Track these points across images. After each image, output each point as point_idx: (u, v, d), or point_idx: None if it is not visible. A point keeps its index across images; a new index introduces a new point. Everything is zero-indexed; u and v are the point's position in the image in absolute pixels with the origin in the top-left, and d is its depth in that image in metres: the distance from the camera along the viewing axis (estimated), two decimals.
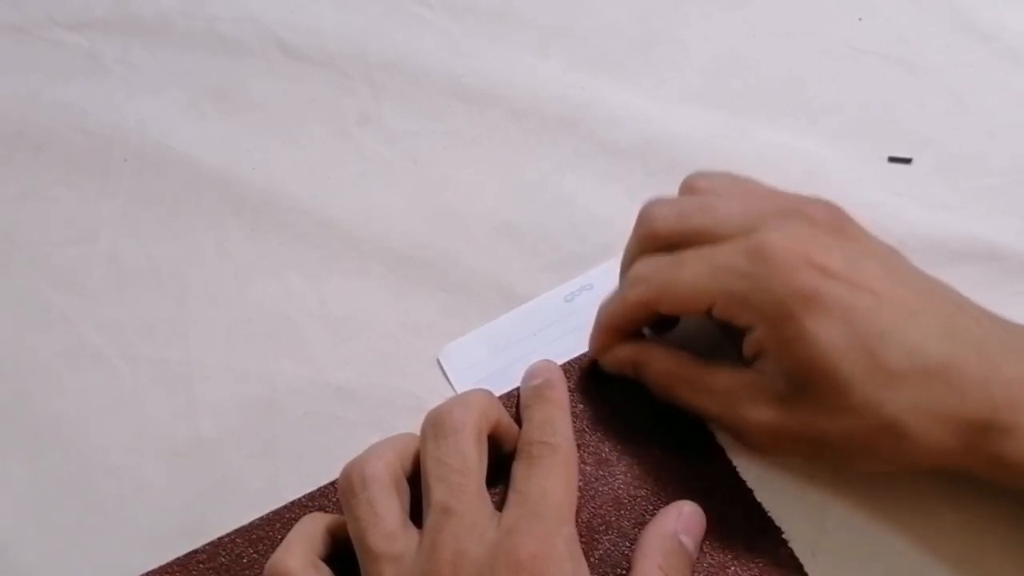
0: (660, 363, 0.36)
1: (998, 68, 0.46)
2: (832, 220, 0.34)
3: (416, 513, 0.33)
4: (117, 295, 0.44)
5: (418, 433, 0.34)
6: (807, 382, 0.32)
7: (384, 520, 0.32)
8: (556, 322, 0.41)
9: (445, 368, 0.41)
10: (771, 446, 0.34)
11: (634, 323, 0.37)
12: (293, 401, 0.41)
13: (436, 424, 0.33)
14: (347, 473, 0.33)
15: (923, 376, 0.31)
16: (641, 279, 0.36)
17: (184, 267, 0.44)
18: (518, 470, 0.34)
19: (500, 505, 0.33)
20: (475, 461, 0.32)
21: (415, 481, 0.34)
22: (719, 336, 0.37)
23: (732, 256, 0.33)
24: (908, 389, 0.31)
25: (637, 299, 0.36)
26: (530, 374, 0.38)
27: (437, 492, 0.32)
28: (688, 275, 0.34)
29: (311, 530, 0.34)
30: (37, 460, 0.40)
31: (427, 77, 0.48)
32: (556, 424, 0.35)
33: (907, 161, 0.44)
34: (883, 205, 0.43)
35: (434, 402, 0.40)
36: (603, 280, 0.42)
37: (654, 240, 0.36)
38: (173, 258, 0.45)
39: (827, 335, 0.31)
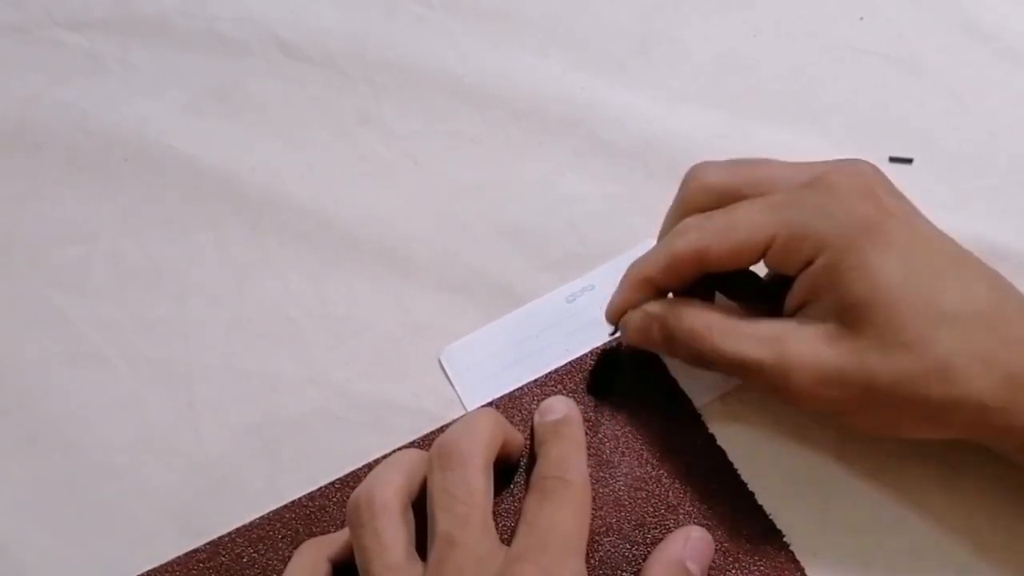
0: (696, 315, 0.35)
1: (998, 68, 0.46)
2: (883, 180, 0.34)
3: (421, 540, 0.33)
4: (117, 295, 0.44)
5: (417, 436, 0.34)
6: (861, 317, 0.31)
7: (389, 551, 0.32)
8: (558, 323, 0.41)
9: (446, 369, 0.41)
10: (817, 394, 0.32)
11: (679, 279, 0.35)
12: (293, 401, 0.41)
13: (443, 454, 0.33)
14: (355, 499, 0.33)
15: (974, 319, 0.31)
16: (691, 228, 0.34)
17: (184, 267, 0.44)
18: (530, 503, 0.33)
19: (508, 538, 0.33)
20: (481, 492, 0.32)
21: (421, 506, 0.33)
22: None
23: (792, 192, 0.33)
24: (960, 330, 0.31)
25: (688, 248, 0.34)
26: (547, 408, 0.37)
27: (442, 522, 0.31)
28: (743, 217, 0.33)
29: (307, 563, 0.34)
30: (37, 460, 0.40)
31: (427, 77, 0.48)
32: (572, 461, 0.34)
33: (907, 161, 0.44)
34: None
35: (433, 402, 0.40)
36: (605, 281, 0.42)
37: (704, 193, 0.35)
38: (173, 258, 0.45)
39: (888, 268, 0.31)
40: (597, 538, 0.36)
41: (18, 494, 0.40)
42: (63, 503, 0.39)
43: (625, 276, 0.37)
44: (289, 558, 0.36)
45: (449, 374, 0.41)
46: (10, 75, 0.51)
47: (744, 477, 0.37)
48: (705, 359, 0.34)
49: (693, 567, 0.33)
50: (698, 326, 0.34)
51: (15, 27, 0.52)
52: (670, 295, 0.37)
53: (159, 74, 0.50)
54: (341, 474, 0.39)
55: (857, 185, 0.33)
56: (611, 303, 0.37)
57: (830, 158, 0.44)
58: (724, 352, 0.34)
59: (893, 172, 0.44)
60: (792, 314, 0.34)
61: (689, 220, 0.35)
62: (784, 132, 0.45)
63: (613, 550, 0.36)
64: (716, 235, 0.34)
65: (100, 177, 0.47)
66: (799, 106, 0.46)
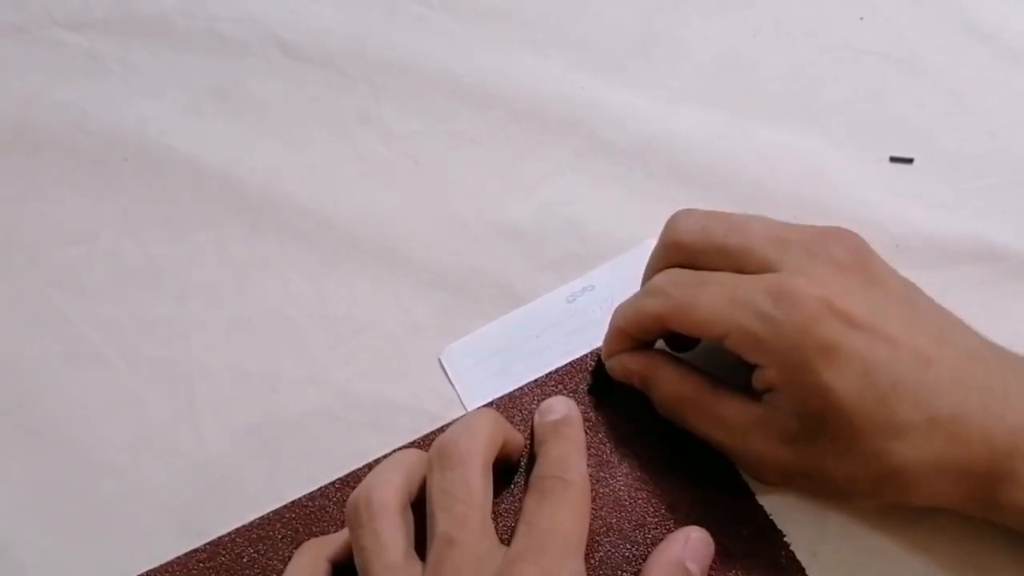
0: (669, 384, 0.36)
1: (998, 68, 0.46)
2: (856, 260, 0.34)
3: (421, 541, 0.33)
4: (117, 295, 0.44)
5: (417, 436, 0.34)
6: (818, 426, 0.32)
7: (388, 551, 0.32)
8: (558, 323, 0.41)
9: (447, 368, 0.41)
10: (778, 481, 0.35)
11: (647, 334, 0.37)
12: (293, 401, 0.41)
13: (442, 455, 0.33)
14: (355, 500, 0.33)
15: (929, 427, 0.31)
16: (659, 291, 0.35)
17: (184, 267, 0.44)
18: (529, 503, 0.33)
19: (507, 538, 0.33)
20: (480, 492, 0.32)
21: (420, 506, 0.33)
22: (736, 359, 0.36)
23: (753, 292, 0.33)
24: (913, 439, 0.31)
25: (652, 312, 0.35)
26: (547, 408, 0.37)
27: (441, 523, 0.31)
28: (705, 301, 0.34)
29: (307, 563, 0.35)
30: (37, 460, 0.40)
31: (427, 77, 0.48)
32: (571, 461, 0.35)
33: (908, 161, 0.44)
34: (883, 205, 0.43)
35: (434, 402, 0.40)
36: (605, 281, 0.42)
37: (677, 250, 0.36)
38: (173, 258, 0.45)
39: (843, 386, 0.31)
40: (597, 538, 0.36)
41: (18, 494, 0.40)
42: (63, 503, 0.39)
43: (611, 319, 0.38)
44: (289, 558, 0.36)
45: (449, 374, 0.41)
46: (10, 75, 0.51)
47: (745, 477, 0.37)
48: (678, 422, 0.36)
49: (693, 567, 0.33)
50: (671, 397, 0.36)
51: (15, 27, 0.52)
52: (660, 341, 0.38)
53: (159, 74, 0.50)
54: (341, 474, 0.39)
55: (817, 302, 0.32)
56: (603, 346, 0.38)
57: (830, 158, 0.45)
58: (695, 428, 0.36)
59: (893, 172, 0.44)
60: (761, 390, 0.34)
61: (661, 279, 0.36)
62: (784, 132, 0.45)
63: (613, 550, 0.36)
64: (678, 309, 0.35)
65: (100, 177, 0.47)
66: (799, 106, 0.46)
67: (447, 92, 0.48)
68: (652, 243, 0.38)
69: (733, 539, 0.36)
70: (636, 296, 0.37)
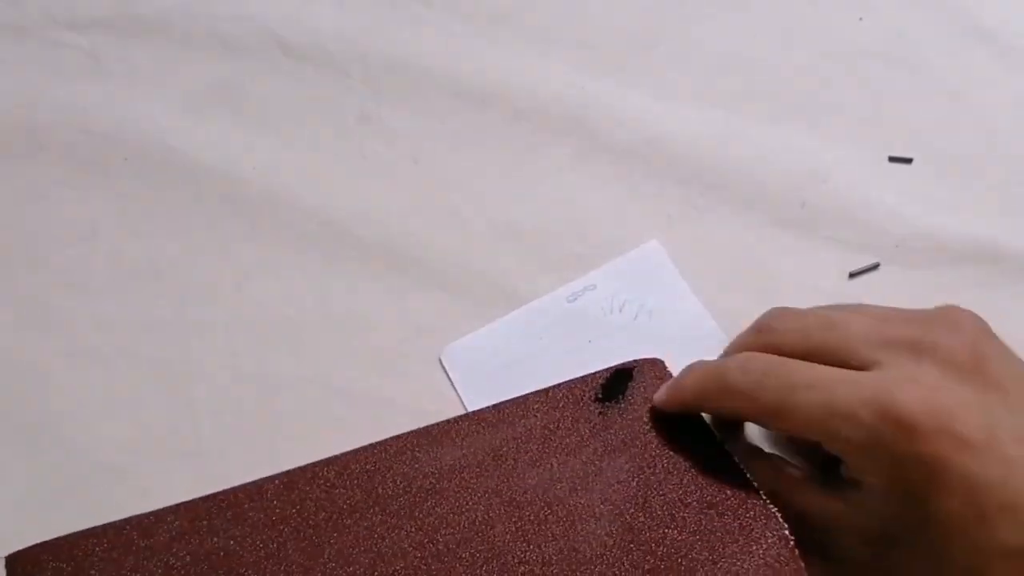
0: (760, 472, 0.35)
1: (998, 68, 0.46)
2: (970, 357, 0.31)
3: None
4: (117, 295, 0.44)
5: None
6: (909, 538, 0.30)
7: None
8: (559, 322, 0.41)
9: (447, 368, 0.41)
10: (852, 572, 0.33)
11: (718, 415, 0.36)
12: (293, 401, 0.41)
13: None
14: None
15: None
16: (744, 391, 0.33)
17: (184, 267, 0.44)
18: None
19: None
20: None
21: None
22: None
23: (856, 402, 0.30)
24: (1012, 564, 0.29)
25: (733, 411, 0.34)
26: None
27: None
28: (802, 407, 0.31)
29: None
30: (37, 460, 0.40)
31: (427, 77, 0.48)
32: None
33: (907, 161, 0.45)
34: (883, 205, 0.43)
35: (434, 402, 0.40)
36: (607, 280, 0.42)
37: (772, 351, 0.34)
38: (173, 258, 0.45)
39: (948, 506, 0.29)
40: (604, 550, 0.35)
41: (18, 494, 0.40)
42: (63, 503, 0.39)
43: (681, 384, 0.36)
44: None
45: (450, 374, 0.41)
46: (10, 75, 0.50)
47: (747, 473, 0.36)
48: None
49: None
50: (765, 478, 0.35)
51: (15, 27, 0.52)
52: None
53: (159, 74, 0.50)
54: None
55: (927, 412, 0.30)
56: (660, 398, 0.37)
57: (830, 158, 0.44)
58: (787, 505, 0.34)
59: (893, 172, 0.45)
60: (846, 482, 0.32)
61: (741, 377, 0.33)
62: (784, 132, 0.45)
63: (621, 557, 0.35)
64: (768, 414, 0.33)
65: (100, 177, 0.47)
66: (799, 106, 0.46)
67: (447, 92, 0.48)
68: (655, 245, 0.38)
69: (732, 531, 0.35)
70: (717, 381, 0.34)
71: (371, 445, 0.38)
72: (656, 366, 0.39)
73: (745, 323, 0.37)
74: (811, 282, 0.42)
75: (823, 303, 0.41)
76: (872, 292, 0.42)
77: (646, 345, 0.40)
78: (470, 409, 0.40)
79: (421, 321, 0.42)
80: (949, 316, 0.33)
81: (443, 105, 0.48)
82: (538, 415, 0.38)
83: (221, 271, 0.44)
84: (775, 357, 0.33)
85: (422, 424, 0.39)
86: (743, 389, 0.33)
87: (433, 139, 0.47)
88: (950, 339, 0.32)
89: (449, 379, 0.41)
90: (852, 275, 0.42)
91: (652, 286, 0.42)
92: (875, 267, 0.42)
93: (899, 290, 0.42)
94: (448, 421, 0.38)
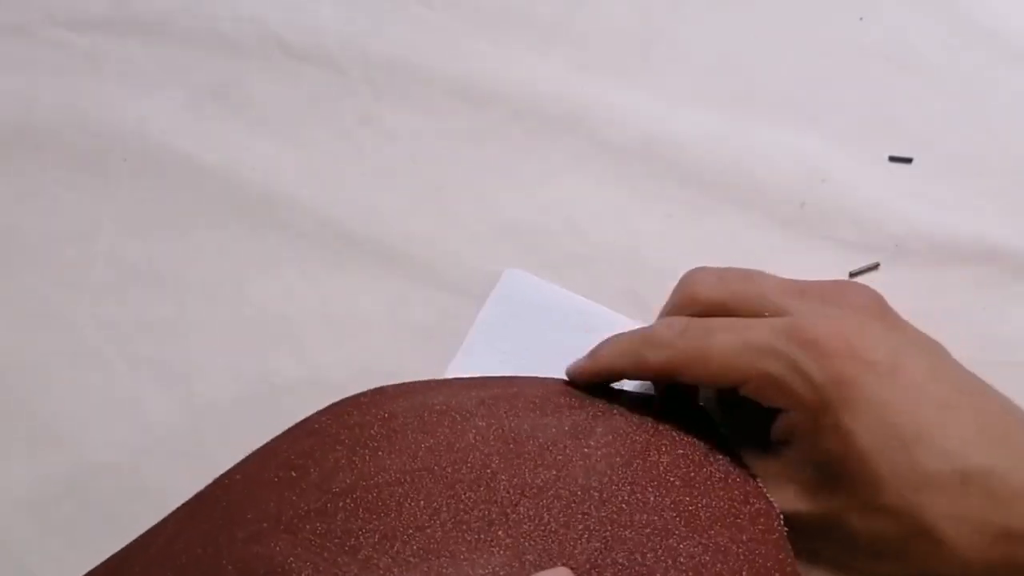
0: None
1: (998, 68, 0.46)
2: (874, 306, 0.34)
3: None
4: (117, 295, 0.44)
5: None
6: (839, 475, 0.31)
7: None
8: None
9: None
10: (802, 547, 0.32)
11: (638, 376, 0.36)
12: (292, 401, 0.41)
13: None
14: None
15: (962, 481, 0.29)
16: (664, 342, 0.34)
17: (184, 267, 0.44)
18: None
19: None
20: None
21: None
22: (747, 409, 0.35)
23: (769, 334, 0.32)
24: (946, 494, 0.29)
25: (657, 363, 0.34)
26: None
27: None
28: (718, 348, 0.33)
29: None
30: (37, 460, 0.40)
31: (427, 77, 0.48)
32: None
33: (907, 161, 0.44)
34: (883, 205, 0.43)
35: None
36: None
37: (692, 304, 0.35)
38: (173, 258, 0.45)
39: (864, 429, 0.30)
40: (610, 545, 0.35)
41: (18, 494, 0.40)
42: (63, 503, 0.39)
43: (597, 354, 0.37)
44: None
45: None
46: (10, 75, 0.50)
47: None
48: None
49: None
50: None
51: (15, 27, 0.52)
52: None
53: (159, 74, 0.50)
54: None
55: (836, 339, 0.31)
56: (572, 369, 0.38)
57: (830, 158, 0.44)
58: None
59: (893, 172, 0.44)
60: (779, 441, 0.33)
61: (661, 330, 0.35)
62: (784, 132, 0.45)
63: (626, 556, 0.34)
64: (689, 360, 0.33)
65: (100, 177, 0.47)
66: (799, 106, 0.46)
67: (447, 92, 0.48)
68: (657, 257, 0.37)
69: (730, 522, 0.34)
70: (634, 341, 0.36)
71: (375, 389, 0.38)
72: None
73: None
74: None
75: None
76: None
77: None
78: None
79: (420, 321, 0.42)
80: (853, 283, 0.35)
81: (443, 105, 0.48)
82: (537, 387, 0.38)
83: (221, 271, 0.44)
84: (696, 317, 0.35)
85: None
86: (664, 341, 0.34)
87: (433, 139, 0.47)
88: (855, 295, 0.34)
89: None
90: (852, 275, 0.42)
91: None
92: (875, 267, 0.42)
93: (899, 290, 0.42)
94: (451, 380, 0.39)
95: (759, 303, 0.34)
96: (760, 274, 0.36)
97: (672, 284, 0.38)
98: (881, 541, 0.30)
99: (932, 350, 0.33)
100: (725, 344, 0.33)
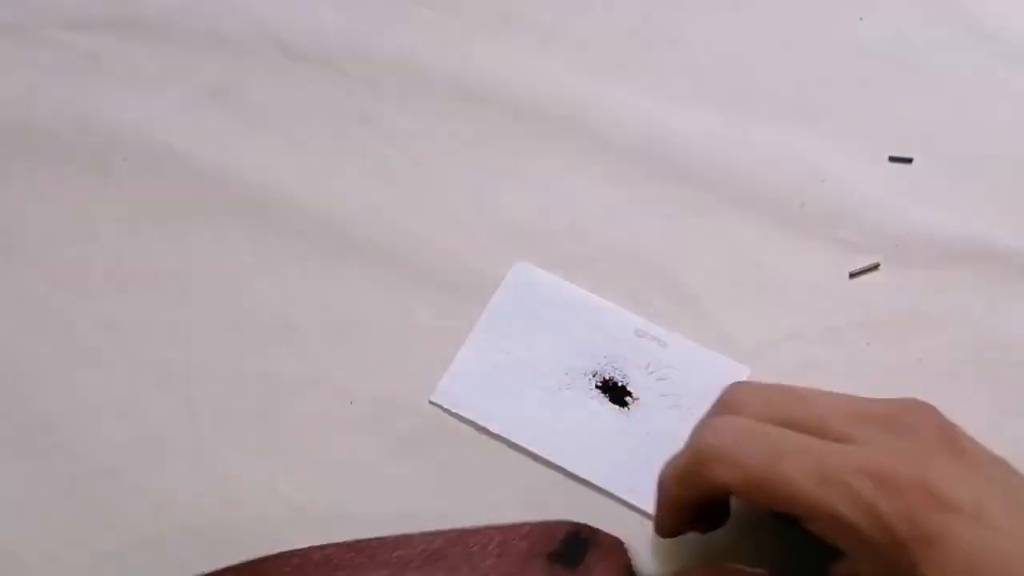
0: None
1: (998, 68, 0.46)
2: (942, 436, 0.31)
3: None
4: (117, 295, 0.44)
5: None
6: None
7: None
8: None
9: (443, 406, 0.40)
10: None
11: (705, 502, 0.33)
12: (292, 401, 0.41)
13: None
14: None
15: None
16: (725, 457, 0.31)
17: (184, 267, 0.44)
18: None
19: None
20: None
21: None
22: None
23: (847, 470, 0.29)
24: None
25: (720, 483, 0.31)
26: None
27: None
28: (791, 475, 0.30)
29: None
30: (37, 460, 0.40)
31: (427, 77, 0.48)
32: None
33: (907, 161, 0.45)
34: (883, 205, 0.43)
35: (435, 402, 0.40)
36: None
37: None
38: (173, 258, 0.45)
39: None
40: None
41: (18, 494, 0.40)
42: (63, 503, 0.39)
43: (659, 488, 0.33)
44: None
45: (451, 409, 0.40)
46: (10, 75, 0.50)
47: None
48: None
49: None
50: None
51: (15, 27, 0.52)
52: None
53: (159, 74, 0.50)
54: (339, 475, 0.39)
55: (914, 478, 0.29)
56: (656, 518, 0.35)
57: (830, 158, 0.44)
58: None
59: (893, 172, 0.45)
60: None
61: (720, 441, 0.31)
62: (784, 132, 0.45)
63: None
64: (755, 483, 0.30)
65: (100, 177, 0.47)
66: (799, 106, 0.46)
67: (447, 92, 0.48)
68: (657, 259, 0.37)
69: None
70: (689, 459, 0.32)
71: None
72: (615, 549, 0.35)
73: (746, 324, 0.37)
74: (811, 282, 0.42)
75: (823, 303, 0.41)
76: (872, 292, 0.42)
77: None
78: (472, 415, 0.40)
79: (420, 321, 0.42)
80: (912, 402, 0.32)
81: (443, 105, 0.48)
82: (488, 560, 0.35)
83: (221, 271, 0.44)
84: (752, 421, 0.31)
85: (421, 423, 0.39)
86: (725, 456, 0.31)
87: (433, 139, 0.47)
88: (920, 422, 0.31)
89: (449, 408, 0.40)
90: (852, 275, 0.42)
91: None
92: (875, 267, 0.42)
93: (899, 290, 0.42)
94: (394, 539, 0.36)
95: (816, 431, 0.31)
96: (812, 392, 0.33)
97: (672, 284, 0.38)
98: None
99: (1006, 479, 0.31)
100: (798, 471, 0.30)
